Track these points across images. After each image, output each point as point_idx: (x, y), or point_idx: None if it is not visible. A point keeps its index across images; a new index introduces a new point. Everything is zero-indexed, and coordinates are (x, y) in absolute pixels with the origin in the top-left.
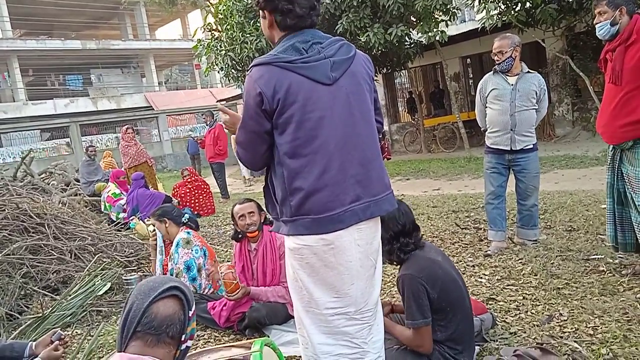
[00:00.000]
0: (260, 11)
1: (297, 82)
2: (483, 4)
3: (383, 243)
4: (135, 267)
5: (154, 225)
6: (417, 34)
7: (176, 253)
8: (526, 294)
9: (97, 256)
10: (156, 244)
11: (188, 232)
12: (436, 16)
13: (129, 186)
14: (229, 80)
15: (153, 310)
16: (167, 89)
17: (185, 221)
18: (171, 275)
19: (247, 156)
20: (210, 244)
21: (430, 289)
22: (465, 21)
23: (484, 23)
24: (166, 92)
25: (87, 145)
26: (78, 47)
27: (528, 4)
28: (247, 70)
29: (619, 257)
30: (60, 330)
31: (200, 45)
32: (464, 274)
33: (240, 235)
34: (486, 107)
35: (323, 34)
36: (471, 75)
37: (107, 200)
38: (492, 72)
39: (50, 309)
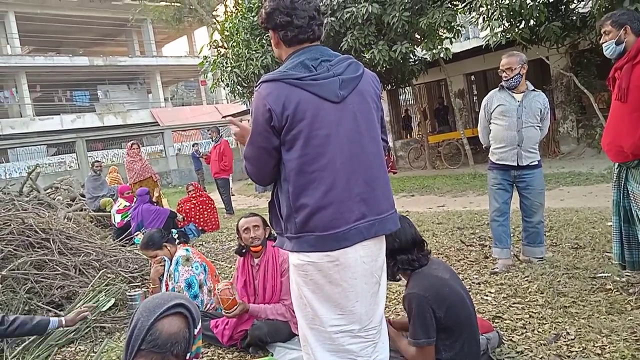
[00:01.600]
0: (267, 32)
1: (306, 99)
2: (487, 22)
3: (388, 259)
4: (140, 283)
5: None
6: (422, 51)
7: (176, 271)
8: (533, 312)
9: (101, 272)
10: (162, 271)
11: (187, 250)
12: (440, 33)
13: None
14: (235, 97)
15: (158, 328)
16: (172, 105)
17: (176, 237)
18: None
19: (255, 171)
20: (214, 260)
21: (436, 309)
22: (469, 38)
23: (488, 40)
24: (172, 108)
25: (93, 160)
26: (86, 63)
27: (532, 22)
28: (256, 87)
29: (626, 275)
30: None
31: (207, 61)
32: (469, 291)
33: (244, 250)
34: (490, 123)
35: (332, 52)
36: (475, 92)
37: (118, 212)
38: (497, 88)
39: None
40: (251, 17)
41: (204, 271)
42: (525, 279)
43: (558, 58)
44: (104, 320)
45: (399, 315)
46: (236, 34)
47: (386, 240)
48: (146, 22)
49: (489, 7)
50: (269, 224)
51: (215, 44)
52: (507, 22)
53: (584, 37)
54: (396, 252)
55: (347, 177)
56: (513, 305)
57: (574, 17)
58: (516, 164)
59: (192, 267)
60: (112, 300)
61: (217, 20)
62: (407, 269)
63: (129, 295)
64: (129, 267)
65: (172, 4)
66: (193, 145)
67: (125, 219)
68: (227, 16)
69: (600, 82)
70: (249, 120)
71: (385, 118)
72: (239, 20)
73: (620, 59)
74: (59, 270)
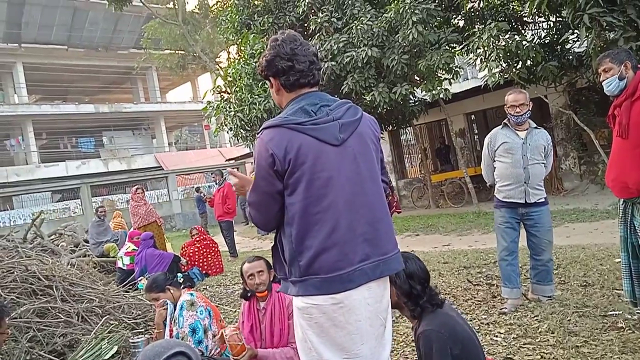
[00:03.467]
0: (267, 80)
1: (307, 143)
2: (485, 63)
3: (407, 295)
4: (143, 330)
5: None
6: (421, 92)
7: (181, 316)
8: (544, 352)
9: (104, 319)
10: (165, 315)
11: (191, 294)
12: (439, 75)
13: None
14: (238, 140)
15: None
16: (177, 149)
17: (181, 281)
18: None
19: (259, 217)
20: (218, 304)
21: (452, 345)
22: (468, 79)
23: (486, 81)
24: (176, 152)
25: (97, 206)
26: (91, 110)
27: (529, 62)
28: (258, 133)
29: (638, 312)
30: None
31: (210, 106)
32: (478, 332)
33: (249, 294)
34: (495, 161)
35: (330, 97)
36: (476, 131)
37: (126, 254)
38: (500, 126)
39: None
40: (253, 63)
41: (208, 316)
42: (535, 318)
43: (557, 96)
44: None
45: (407, 358)
46: (239, 80)
47: (415, 276)
48: (151, 70)
49: (485, 48)
50: (273, 268)
51: (219, 89)
52: (505, 63)
53: (581, 76)
54: (425, 287)
55: (350, 218)
56: (524, 346)
57: (570, 57)
58: (524, 202)
59: (197, 312)
60: (115, 348)
61: (220, 67)
62: (432, 304)
63: (132, 343)
64: (132, 313)
65: (177, 52)
66: (197, 190)
67: (132, 263)
68: (230, 62)
69: (599, 119)
70: (252, 163)
71: (387, 158)
72: (241, 66)
73: (619, 97)
74: (61, 318)
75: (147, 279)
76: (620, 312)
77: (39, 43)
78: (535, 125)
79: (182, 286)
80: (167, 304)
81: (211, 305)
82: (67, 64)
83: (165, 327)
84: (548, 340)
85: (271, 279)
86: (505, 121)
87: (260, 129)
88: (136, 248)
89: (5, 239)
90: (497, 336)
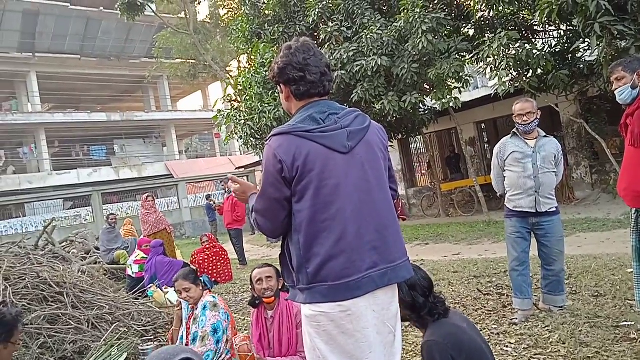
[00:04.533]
0: (278, 86)
1: (315, 150)
2: (495, 72)
3: (410, 307)
4: (152, 337)
5: (179, 294)
6: (431, 100)
7: (203, 316)
8: None
9: (114, 325)
10: (181, 315)
11: (214, 296)
12: (449, 84)
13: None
14: (248, 148)
15: None
16: (187, 157)
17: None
18: (195, 338)
19: (266, 224)
20: None
21: (456, 357)
22: (478, 88)
23: (496, 89)
24: (186, 161)
25: (108, 213)
26: (103, 119)
27: (539, 71)
28: (266, 140)
29: None
30: None
31: (220, 115)
32: (488, 341)
33: (257, 302)
34: (505, 171)
35: (339, 105)
36: (486, 140)
37: (136, 262)
38: (509, 135)
39: None
40: (264, 72)
41: (226, 320)
42: (546, 328)
43: (567, 105)
44: None
45: None
46: (249, 88)
47: (416, 285)
48: (162, 79)
49: (496, 57)
50: (281, 276)
51: (229, 98)
52: (515, 72)
53: (592, 85)
54: (428, 296)
55: (358, 226)
56: (534, 357)
57: (581, 65)
58: (535, 211)
59: (219, 313)
60: (125, 355)
61: (231, 76)
62: (435, 314)
63: (141, 350)
64: (142, 320)
65: (188, 61)
66: (207, 197)
67: (142, 271)
68: (240, 71)
69: (611, 128)
70: (261, 171)
71: (397, 167)
72: (252, 75)
73: (631, 105)
74: (72, 325)
75: (157, 286)
76: (633, 323)
77: (53, 52)
78: (544, 134)
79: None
80: (182, 304)
81: (229, 312)
82: (80, 73)
83: (181, 326)
84: (559, 351)
85: (279, 287)
86: (514, 130)
87: (269, 136)
88: (145, 256)
89: (17, 246)
90: (507, 346)
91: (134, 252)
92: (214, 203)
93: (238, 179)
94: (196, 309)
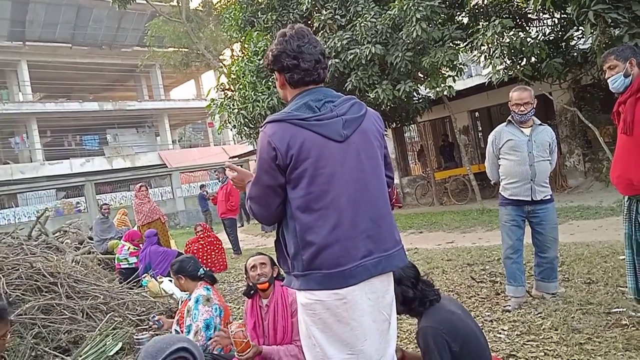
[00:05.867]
0: (272, 73)
1: (310, 138)
2: (489, 60)
3: (402, 302)
4: (147, 326)
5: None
6: (425, 89)
7: (196, 309)
8: (547, 349)
9: (108, 315)
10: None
11: (207, 289)
12: (443, 72)
13: (141, 245)
14: (242, 138)
15: None
16: (180, 147)
17: (201, 275)
18: (188, 332)
19: (260, 211)
20: None
21: (452, 342)
22: (472, 76)
23: (490, 78)
24: (180, 150)
25: (101, 203)
26: (95, 108)
27: (533, 59)
28: (261, 127)
29: None
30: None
31: (214, 104)
32: (482, 328)
33: (252, 291)
34: (500, 159)
35: (335, 93)
36: (480, 129)
37: (132, 254)
38: (505, 123)
39: None
40: (257, 61)
41: (219, 316)
42: (539, 315)
43: (561, 93)
44: None
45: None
46: (243, 77)
47: (405, 273)
48: (155, 68)
49: (490, 45)
50: (277, 263)
51: (222, 87)
52: (509, 60)
53: (585, 73)
54: (417, 284)
55: (353, 215)
56: (527, 343)
57: (575, 54)
58: (530, 199)
59: (212, 309)
60: (119, 345)
61: (224, 64)
62: (428, 302)
63: (136, 339)
64: (137, 309)
65: (180, 49)
66: (201, 187)
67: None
68: (233, 60)
69: (604, 116)
70: (255, 160)
71: (391, 155)
72: (245, 63)
73: (624, 94)
74: (66, 315)
75: (151, 276)
76: (624, 309)
77: (43, 41)
78: (539, 122)
79: (200, 279)
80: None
81: (224, 305)
82: (71, 62)
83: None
84: (552, 337)
85: (274, 275)
86: (509, 118)
87: (264, 123)
88: (136, 248)
89: (10, 236)
90: (500, 333)
91: (122, 246)
92: (207, 193)
93: (236, 166)
94: (189, 300)
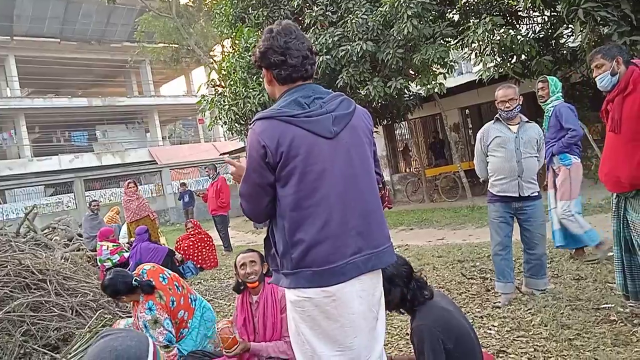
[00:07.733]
0: (260, 70)
1: (300, 135)
2: (479, 57)
3: (390, 292)
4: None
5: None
6: (416, 86)
7: (151, 337)
8: (537, 345)
9: (98, 312)
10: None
11: (150, 308)
12: (434, 69)
13: (118, 240)
14: (232, 134)
15: None
16: (170, 143)
17: (136, 285)
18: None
19: (250, 208)
20: (212, 297)
21: (446, 340)
22: (462, 73)
23: (481, 75)
24: (170, 147)
25: (90, 200)
26: (84, 104)
27: (523, 57)
28: (250, 124)
29: (630, 305)
30: None
31: (204, 100)
32: (472, 325)
33: (241, 287)
34: (488, 156)
35: (324, 89)
36: (470, 126)
37: (112, 253)
38: (492, 121)
39: None
40: (248, 57)
41: (173, 327)
42: (528, 311)
43: None
44: None
45: (401, 351)
46: (233, 73)
47: (398, 271)
48: (144, 63)
49: (480, 43)
50: (265, 260)
51: (213, 83)
52: (499, 57)
53: (575, 71)
54: (410, 282)
55: (342, 212)
56: (517, 339)
57: (564, 51)
58: (517, 195)
59: (164, 326)
60: None
61: (215, 60)
62: (422, 299)
63: None
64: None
65: (170, 45)
66: (181, 185)
67: (123, 255)
68: (224, 56)
69: (593, 114)
70: (245, 157)
71: (382, 153)
72: (236, 59)
73: (612, 92)
74: (55, 312)
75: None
76: (613, 305)
77: (31, 36)
78: (526, 119)
79: (138, 289)
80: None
81: (175, 295)
82: (60, 57)
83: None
84: (541, 333)
85: (264, 272)
86: (497, 116)
87: (253, 120)
88: (116, 244)
89: None
90: (490, 329)
91: (100, 247)
92: (190, 191)
93: (235, 162)
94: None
